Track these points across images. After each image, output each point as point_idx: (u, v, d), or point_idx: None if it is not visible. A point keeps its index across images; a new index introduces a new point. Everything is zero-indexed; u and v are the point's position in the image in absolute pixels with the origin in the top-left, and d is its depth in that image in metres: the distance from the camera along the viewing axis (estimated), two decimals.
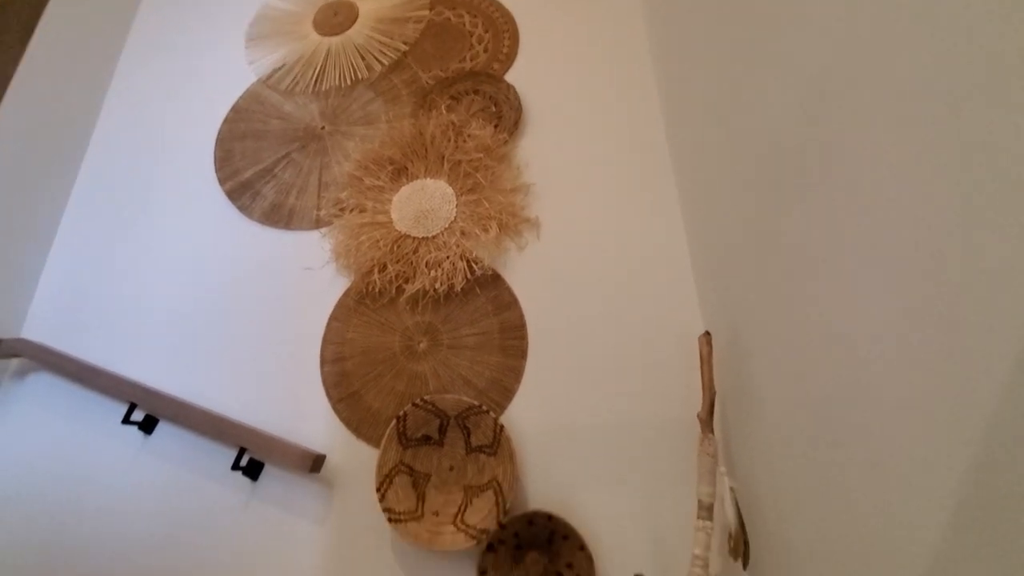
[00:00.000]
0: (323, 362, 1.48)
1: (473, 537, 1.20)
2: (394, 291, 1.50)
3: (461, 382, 1.40)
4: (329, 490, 1.36)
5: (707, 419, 1.15)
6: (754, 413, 1.06)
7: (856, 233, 0.69)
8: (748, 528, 1.08)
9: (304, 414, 1.43)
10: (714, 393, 1.17)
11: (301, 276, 1.57)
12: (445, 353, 1.44)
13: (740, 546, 1.07)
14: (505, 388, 1.39)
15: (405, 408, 1.31)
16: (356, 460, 1.37)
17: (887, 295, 0.63)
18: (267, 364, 1.49)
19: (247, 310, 1.56)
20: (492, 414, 1.28)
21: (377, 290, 1.49)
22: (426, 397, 1.31)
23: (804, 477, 0.87)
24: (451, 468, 1.32)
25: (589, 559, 1.17)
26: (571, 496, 1.29)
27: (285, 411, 1.44)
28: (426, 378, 1.42)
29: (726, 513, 1.10)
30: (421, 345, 1.46)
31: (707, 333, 1.20)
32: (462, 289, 1.46)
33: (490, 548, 1.21)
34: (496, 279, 1.50)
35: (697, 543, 1.06)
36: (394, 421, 1.29)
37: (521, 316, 1.45)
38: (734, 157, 1.12)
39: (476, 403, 1.29)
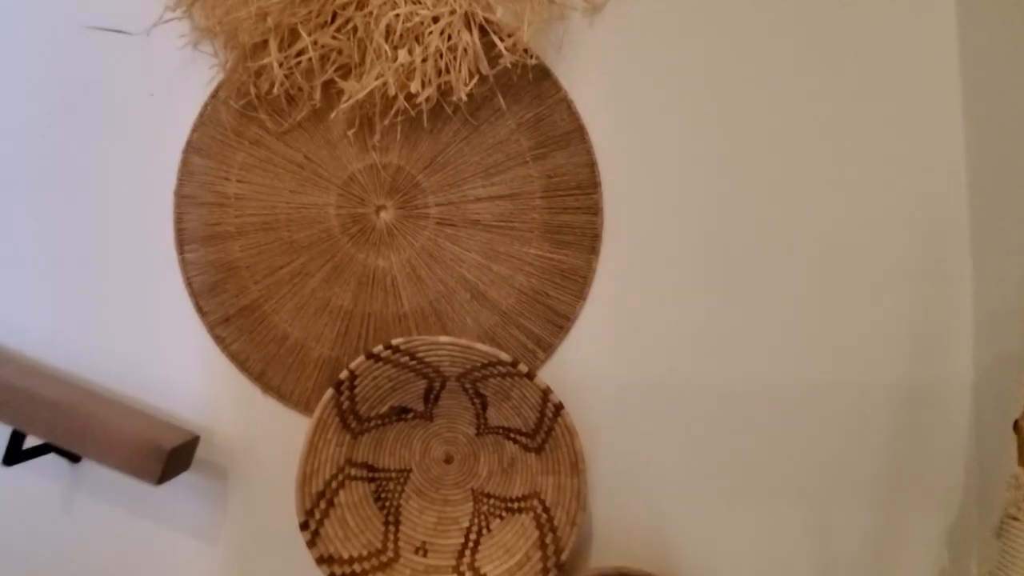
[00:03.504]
0: (183, 241, 0.73)
1: None
2: (318, 94, 0.69)
3: (465, 294, 0.70)
4: (221, 482, 0.73)
5: None
6: None
7: None
8: None
9: (154, 347, 0.73)
10: None
11: (107, 49, 0.72)
12: (431, 233, 0.71)
13: None
14: (553, 311, 0.70)
15: (354, 363, 0.62)
16: (267, 428, 0.73)
17: None
18: (61, 243, 0.73)
19: (4, 129, 0.74)
20: (539, 382, 0.61)
21: (280, 88, 0.68)
22: (398, 342, 0.61)
23: None
24: (448, 459, 0.69)
25: None
26: (688, 532, 0.70)
27: (113, 344, 0.73)
28: (394, 283, 0.71)
29: None
30: (383, 214, 0.71)
31: None
32: (469, 99, 0.67)
33: None
34: (541, 80, 0.70)
35: None
36: (330, 391, 0.61)
37: (591, 162, 0.70)
38: None
39: (505, 357, 0.61)
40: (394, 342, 0.61)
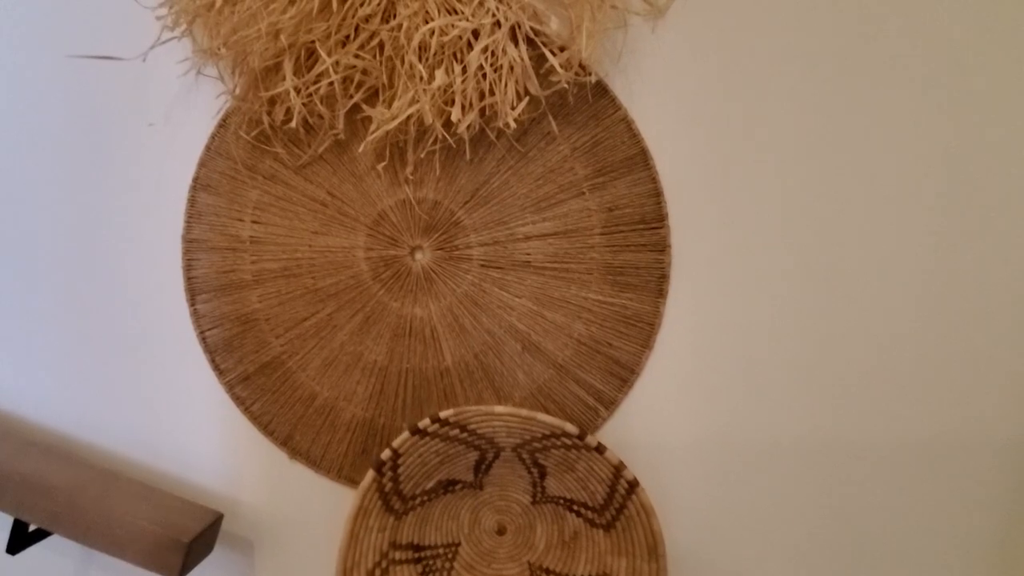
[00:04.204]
0: (193, 291, 0.64)
1: None
2: (341, 122, 0.60)
3: (515, 345, 0.62)
4: (247, 557, 0.66)
5: None
6: None
7: None
8: None
9: (167, 410, 0.66)
10: None
11: (98, 75, 0.63)
12: (475, 277, 0.62)
13: None
14: (616, 363, 0.62)
15: (397, 441, 0.54)
16: (296, 497, 0.65)
17: None
18: (57, 295, 0.65)
19: None
20: (610, 457, 0.53)
21: (298, 118, 0.59)
22: (447, 415, 0.53)
23: None
24: (501, 530, 0.62)
25: None
26: None
27: (121, 407, 0.66)
28: (434, 334, 0.63)
29: None
30: (419, 256, 0.63)
31: None
32: (516, 124, 0.58)
33: None
34: (597, 97, 0.60)
35: None
36: (372, 474, 0.53)
37: (656, 191, 0.61)
38: None
39: (571, 429, 0.53)
40: (442, 415, 0.53)
